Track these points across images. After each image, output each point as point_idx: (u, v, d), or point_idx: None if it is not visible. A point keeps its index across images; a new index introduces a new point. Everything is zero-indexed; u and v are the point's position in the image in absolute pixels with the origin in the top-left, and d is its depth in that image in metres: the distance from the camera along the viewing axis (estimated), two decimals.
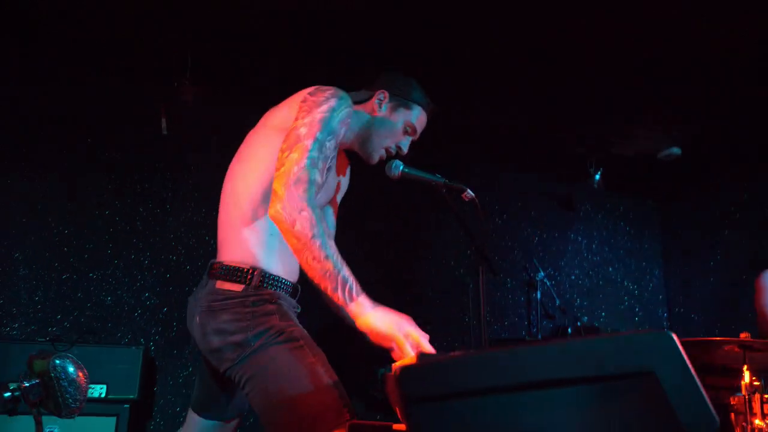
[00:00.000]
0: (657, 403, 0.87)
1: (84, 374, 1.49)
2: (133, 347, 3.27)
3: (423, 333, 1.59)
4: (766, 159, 4.24)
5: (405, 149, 2.00)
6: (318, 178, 1.64)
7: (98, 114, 3.60)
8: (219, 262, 1.75)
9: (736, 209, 4.67)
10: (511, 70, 3.39)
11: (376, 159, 1.98)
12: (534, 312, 4.39)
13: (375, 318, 1.54)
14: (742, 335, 2.19)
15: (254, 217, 1.74)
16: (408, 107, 1.95)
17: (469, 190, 2.03)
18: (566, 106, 3.74)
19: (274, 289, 1.71)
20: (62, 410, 1.46)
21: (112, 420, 3.01)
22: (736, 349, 2.19)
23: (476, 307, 2.20)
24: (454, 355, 0.90)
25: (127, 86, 3.65)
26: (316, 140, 1.66)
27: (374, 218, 4.10)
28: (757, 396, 2.13)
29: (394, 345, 1.54)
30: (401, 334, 1.53)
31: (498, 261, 4.55)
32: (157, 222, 3.64)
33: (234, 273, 1.70)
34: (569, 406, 0.88)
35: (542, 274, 4.42)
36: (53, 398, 1.45)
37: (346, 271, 1.56)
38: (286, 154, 1.65)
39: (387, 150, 1.97)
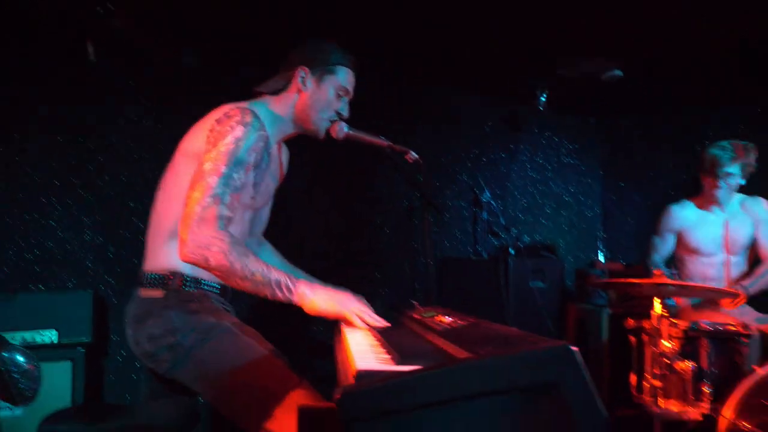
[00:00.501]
0: (560, 412, 0.98)
1: (34, 364, 1.53)
2: (81, 291, 3.27)
3: (365, 305, 1.71)
4: (698, 83, 4.38)
5: (346, 112, 2.00)
6: (224, 212, 1.65)
7: (23, 44, 3.37)
8: (142, 272, 1.81)
9: (669, 129, 4.86)
10: None
11: (323, 133, 1.98)
12: (479, 230, 4.57)
13: (318, 302, 1.65)
14: (656, 272, 2.39)
15: (174, 232, 1.76)
16: (332, 72, 1.93)
17: (412, 152, 2.07)
18: (514, 31, 3.70)
19: (196, 290, 1.77)
20: (17, 399, 1.51)
21: (68, 364, 3.05)
22: (651, 289, 2.39)
23: (424, 239, 2.30)
24: (386, 377, 0.97)
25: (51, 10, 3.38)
26: (222, 176, 1.66)
27: (321, 185, 4.10)
28: (665, 322, 2.36)
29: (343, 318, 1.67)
30: (346, 311, 1.64)
31: (446, 181, 4.65)
32: (93, 158, 3.53)
33: (155, 280, 1.77)
34: (491, 416, 0.98)
35: (488, 193, 4.55)
36: (6, 390, 1.50)
37: (274, 274, 1.65)
38: (190, 192, 1.67)
39: (329, 120, 1.97)
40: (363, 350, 1.27)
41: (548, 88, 4.42)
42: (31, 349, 2.91)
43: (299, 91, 1.92)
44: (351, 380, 1.01)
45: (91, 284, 3.44)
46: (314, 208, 4.11)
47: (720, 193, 3.05)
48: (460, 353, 1.18)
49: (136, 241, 3.48)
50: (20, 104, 3.38)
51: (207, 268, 1.64)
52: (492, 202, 4.51)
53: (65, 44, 3.40)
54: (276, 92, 1.94)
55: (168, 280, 1.75)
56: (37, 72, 3.42)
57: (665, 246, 3.28)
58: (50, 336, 3.08)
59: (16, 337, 3.01)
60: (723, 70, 3.99)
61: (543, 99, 4.44)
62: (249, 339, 1.71)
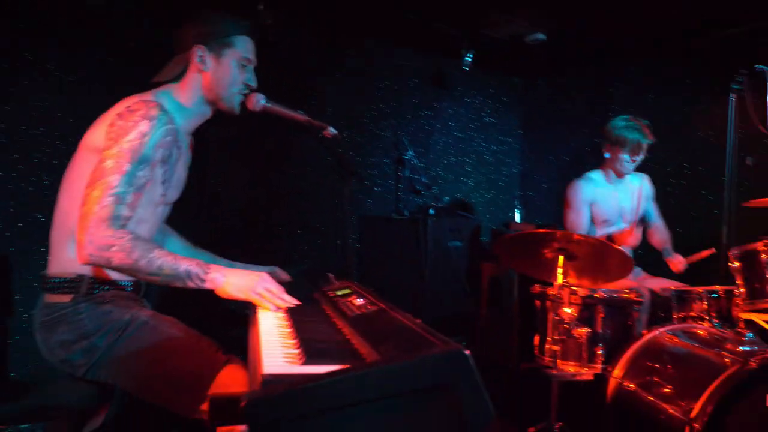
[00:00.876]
0: (453, 409, 1.07)
1: None
2: None
3: (278, 286, 1.73)
4: (609, 50, 4.57)
5: (254, 82, 1.95)
6: (124, 212, 1.60)
7: None
8: (46, 275, 1.75)
9: (583, 90, 5.03)
10: None
11: (237, 107, 1.93)
12: (402, 187, 4.64)
13: (230, 287, 1.66)
14: (559, 234, 2.53)
15: None
16: (230, 44, 1.86)
17: (330, 128, 2.06)
18: None
19: (107, 291, 1.73)
20: None
21: None
22: (553, 256, 2.54)
23: (344, 205, 2.32)
24: (292, 382, 1.01)
25: None
26: (124, 174, 1.61)
27: (239, 160, 4.03)
28: (567, 290, 2.53)
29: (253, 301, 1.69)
30: (256, 294, 1.66)
31: (369, 137, 4.67)
32: None
33: (62, 285, 1.71)
34: (389, 417, 1.05)
35: (411, 152, 4.60)
36: None
37: (183, 265, 1.63)
38: (89, 190, 1.60)
39: (240, 93, 1.92)
40: (271, 344, 1.31)
41: (473, 46, 4.46)
42: None
43: (200, 71, 1.85)
44: (258, 384, 1.05)
45: None
46: (236, 180, 4.06)
47: (629, 168, 3.22)
48: (365, 349, 1.24)
49: (39, 196, 3.32)
50: None
51: (110, 268, 1.61)
52: (415, 160, 4.57)
53: None
54: (177, 78, 1.86)
55: (75, 283, 1.70)
56: None
57: (583, 218, 3.29)
58: None
59: None
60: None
61: (468, 59, 4.48)
62: (167, 328, 1.72)
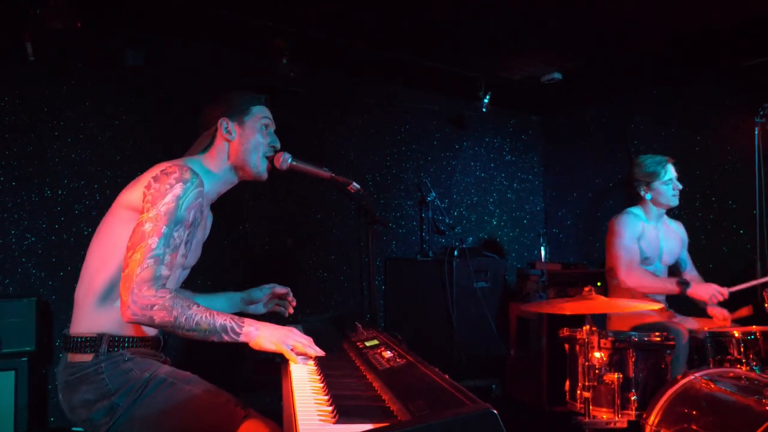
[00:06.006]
0: None
1: None
2: (25, 299, 3.20)
3: (307, 338, 1.77)
4: (626, 85, 4.62)
5: (277, 143, 2.06)
6: (163, 272, 1.67)
7: None
8: (68, 335, 1.80)
9: (603, 125, 5.06)
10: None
11: (265, 173, 2.03)
12: (426, 228, 4.68)
13: (262, 340, 1.71)
14: (585, 290, 2.53)
15: (106, 292, 1.78)
16: (250, 113, 1.99)
17: (354, 183, 2.11)
18: (458, 37, 3.78)
19: (127, 349, 1.78)
20: None
21: (11, 374, 3.03)
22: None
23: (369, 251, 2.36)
24: None
25: None
26: (162, 236, 1.68)
27: (267, 204, 4.16)
28: (596, 335, 2.51)
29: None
30: (287, 347, 1.71)
31: (392, 180, 4.73)
32: (34, 160, 3.44)
33: (82, 344, 1.76)
34: None
35: (433, 194, 4.65)
36: None
37: (219, 320, 1.69)
38: (130, 253, 1.67)
39: (266, 156, 2.00)
40: (304, 400, 1.33)
41: (490, 88, 4.53)
42: None
43: (227, 140, 1.96)
44: None
45: (35, 291, 3.38)
46: (263, 223, 4.15)
47: (675, 199, 3.18)
48: (395, 406, 1.26)
49: (79, 246, 3.42)
50: None
51: (152, 326, 1.67)
52: (437, 201, 4.61)
53: (3, 43, 3.28)
54: (204, 150, 1.98)
55: (96, 342, 1.75)
56: None
57: (635, 252, 3.17)
58: None
59: None
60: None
61: (486, 101, 4.54)
62: (186, 385, 1.75)
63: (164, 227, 1.69)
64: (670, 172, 3.18)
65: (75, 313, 1.83)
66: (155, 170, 1.79)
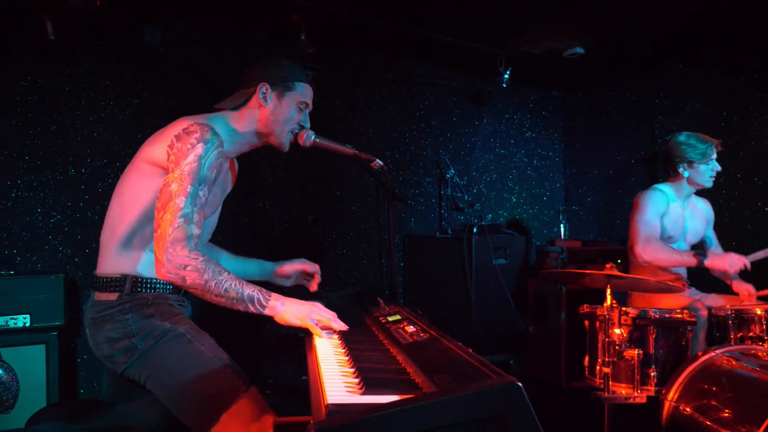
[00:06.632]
0: None
1: (11, 374, 1.58)
2: (53, 276, 3.27)
3: (331, 313, 1.80)
4: (650, 60, 4.52)
5: (307, 124, 2.07)
6: (195, 231, 1.72)
7: None
8: (95, 275, 1.88)
9: (625, 102, 4.96)
10: None
11: (287, 146, 2.04)
12: (445, 205, 4.67)
13: (288, 314, 1.75)
14: (607, 266, 2.52)
15: (129, 238, 1.84)
16: (292, 88, 1.99)
17: (377, 160, 2.12)
18: (478, 10, 3.74)
19: (150, 292, 1.84)
20: None
21: (41, 348, 3.12)
22: (602, 278, 2.52)
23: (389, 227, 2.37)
24: (355, 413, 1.05)
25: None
26: (188, 195, 1.73)
27: (287, 179, 4.18)
28: (616, 311, 2.51)
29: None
30: (312, 321, 1.74)
31: (411, 157, 4.72)
32: (57, 139, 3.49)
33: (108, 283, 1.83)
34: None
35: (452, 171, 4.63)
36: None
37: (247, 290, 1.73)
38: (161, 214, 1.72)
39: (292, 132, 2.02)
40: (331, 372, 1.36)
41: (511, 63, 4.47)
42: (4, 334, 2.97)
43: (260, 106, 1.97)
44: (322, 413, 1.10)
45: (62, 267, 3.45)
46: (283, 198, 4.18)
47: (711, 180, 3.15)
48: (420, 378, 1.28)
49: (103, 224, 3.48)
50: None
51: (183, 286, 1.72)
52: (456, 178, 4.60)
53: (23, 23, 3.31)
54: (236, 108, 1.99)
55: (121, 282, 1.82)
56: None
57: (656, 228, 3.13)
58: (23, 320, 3.11)
59: None
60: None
61: (506, 76, 4.49)
62: (201, 346, 1.80)
63: (189, 186, 1.73)
64: (715, 153, 3.14)
65: (100, 256, 1.90)
66: (177, 128, 1.83)
